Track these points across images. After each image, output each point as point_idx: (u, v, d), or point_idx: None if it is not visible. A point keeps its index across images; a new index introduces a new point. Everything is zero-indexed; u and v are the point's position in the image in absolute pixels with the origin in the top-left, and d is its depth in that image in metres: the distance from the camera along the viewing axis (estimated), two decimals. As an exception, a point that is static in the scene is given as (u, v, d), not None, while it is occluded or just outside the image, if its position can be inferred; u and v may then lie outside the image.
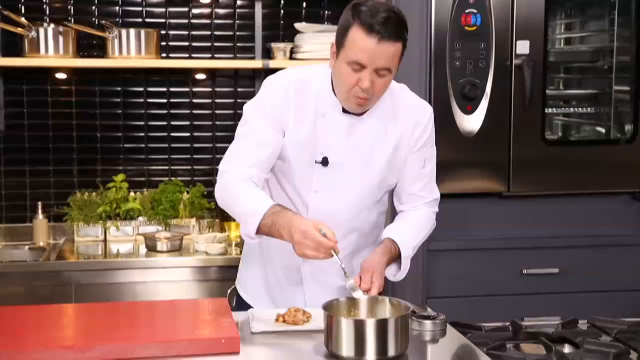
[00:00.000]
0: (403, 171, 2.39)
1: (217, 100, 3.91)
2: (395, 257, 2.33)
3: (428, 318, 2.15)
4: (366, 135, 2.32)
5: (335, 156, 2.30)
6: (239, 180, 2.23)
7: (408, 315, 1.96)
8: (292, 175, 2.32)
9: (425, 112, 2.40)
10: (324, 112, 2.29)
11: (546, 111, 3.42)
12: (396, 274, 2.35)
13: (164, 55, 3.79)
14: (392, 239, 2.33)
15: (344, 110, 2.29)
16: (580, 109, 3.69)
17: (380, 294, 2.20)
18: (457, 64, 3.27)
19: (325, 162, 2.30)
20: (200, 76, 3.87)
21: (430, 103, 3.23)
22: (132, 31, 3.59)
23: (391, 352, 1.89)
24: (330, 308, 1.99)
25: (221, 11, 3.88)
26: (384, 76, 2.19)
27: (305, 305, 2.37)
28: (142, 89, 3.85)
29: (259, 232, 2.16)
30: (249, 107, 2.35)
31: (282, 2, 3.90)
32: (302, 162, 2.30)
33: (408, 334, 1.95)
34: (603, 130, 3.68)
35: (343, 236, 2.26)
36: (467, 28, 3.26)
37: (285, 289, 2.44)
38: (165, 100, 3.88)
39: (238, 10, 3.89)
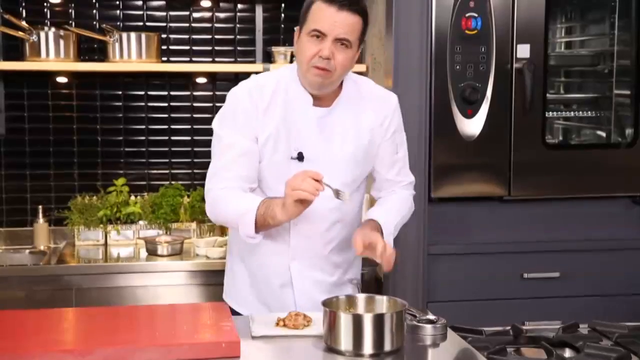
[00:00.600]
0: (377, 158, 2.47)
1: (217, 104, 3.91)
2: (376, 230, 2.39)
3: (428, 322, 2.15)
4: (337, 126, 2.38)
5: (309, 150, 2.35)
6: (223, 192, 2.33)
7: (403, 311, 2.02)
8: (270, 175, 2.37)
9: (392, 100, 2.49)
10: (294, 107, 2.35)
11: (546, 115, 3.42)
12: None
13: (164, 58, 3.79)
14: (374, 219, 2.40)
15: (315, 105, 2.36)
16: (580, 112, 3.69)
17: (380, 292, 2.23)
18: (458, 67, 3.27)
19: (300, 157, 2.36)
20: (201, 80, 3.88)
21: (430, 106, 3.26)
22: (133, 35, 3.60)
23: (387, 346, 1.97)
24: (329, 304, 2.06)
25: (221, 15, 3.88)
26: (344, 49, 2.27)
27: (295, 304, 2.42)
28: (142, 93, 3.86)
29: (256, 229, 2.26)
30: (217, 123, 2.41)
31: (283, 5, 3.91)
32: (278, 161, 2.36)
33: (403, 329, 2.02)
34: (603, 134, 3.68)
35: (327, 228, 2.38)
36: (467, 31, 3.27)
37: (275, 290, 2.46)
38: (166, 104, 3.88)
39: (238, 14, 3.89)
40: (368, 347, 1.95)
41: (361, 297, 2.15)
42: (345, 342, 1.96)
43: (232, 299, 2.55)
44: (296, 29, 2.35)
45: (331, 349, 1.98)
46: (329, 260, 2.43)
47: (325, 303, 2.05)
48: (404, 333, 2.03)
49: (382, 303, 2.12)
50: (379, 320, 1.96)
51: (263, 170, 2.37)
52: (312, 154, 2.35)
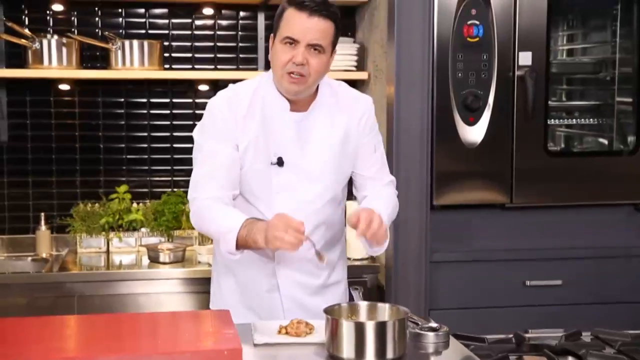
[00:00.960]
0: (356, 159, 2.50)
1: (219, 111, 3.91)
2: None
3: (431, 330, 2.15)
4: (315, 130, 2.42)
5: (289, 155, 2.39)
6: (208, 203, 2.33)
7: (406, 319, 2.02)
8: (251, 182, 2.40)
9: (367, 101, 2.53)
10: (272, 113, 2.38)
11: (548, 122, 3.42)
12: (374, 247, 2.37)
13: (166, 66, 3.80)
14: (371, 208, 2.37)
15: (292, 110, 2.39)
16: (582, 120, 3.69)
17: (381, 299, 2.23)
18: (459, 75, 3.28)
19: (280, 162, 2.39)
20: (203, 87, 3.88)
21: (432, 114, 3.26)
22: (135, 42, 3.60)
23: (389, 354, 1.97)
24: (331, 312, 2.06)
25: (224, 22, 3.89)
26: (317, 54, 2.30)
27: (283, 309, 2.46)
28: (144, 100, 3.86)
29: (237, 246, 2.26)
30: (197, 133, 2.43)
31: (285, 13, 3.91)
32: (259, 167, 2.38)
33: (405, 337, 2.02)
34: (605, 142, 3.68)
35: (311, 232, 2.36)
36: (469, 39, 3.27)
37: (262, 295, 2.49)
38: (168, 111, 3.88)
39: (240, 21, 3.90)
40: (370, 355, 1.96)
41: (363, 305, 2.15)
42: (347, 350, 1.96)
43: (218, 308, 2.57)
44: (271, 36, 2.39)
45: (333, 356, 1.99)
46: (314, 262, 2.42)
47: (328, 311, 2.05)
48: (406, 341, 2.03)
49: (384, 311, 2.13)
50: (381, 328, 1.97)
51: (244, 176, 2.40)
52: (291, 158, 2.39)
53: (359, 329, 1.97)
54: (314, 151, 2.41)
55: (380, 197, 2.50)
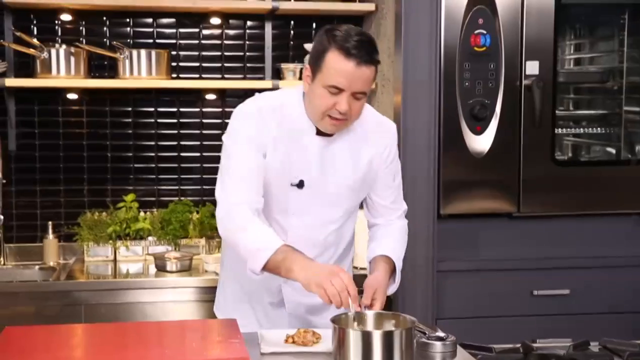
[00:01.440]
0: (375, 186, 2.47)
1: (226, 120, 3.87)
2: (391, 272, 2.41)
3: (438, 339, 2.14)
4: (338, 156, 2.38)
5: (310, 178, 2.35)
6: (244, 213, 2.26)
7: (413, 328, 2.02)
8: (269, 199, 2.35)
9: (391, 129, 2.49)
10: (298, 135, 2.34)
11: (556, 131, 3.41)
12: (390, 286, 2.41)
13: (174, 75, 3.81)
14: (388, 256, 2.41)
15: (317, 132, 2.34)
16: (590, 129, 3.68)
17: (389, 309, 2.23)
18: (467, 84, 3.28)
19: (300, 184, 2.35)
20: (210, 96, 3.89)
21: (439, 123, 3.26)
22: (143, 52, 3.62)
23: None
24: (338, 321, 2.05)
25: (231, 32, 3.90)
26: (359, 99, 2.25)
27: (288, 324, 2.44)
28: (152, 109, 3.87)
29: (264, 267, 2.20)
30: (227, 138, 2.39)
31: (292, 22, 3.92)
32: (279, 185, 2.35)
33: (413, 347, 2.01)
34: (613, 151, 3.67)
35: (321, 252, 2.39)
36: (476, 48, 3.27)
37: (267, 308, 2.49)
38: (175, 120, 3.89)
39: (248, 31, 3.91)
40: (377, 366, 1.94)
41: (370, 314, 2.14)
42: (354, 359, 1.95)
43: (222, 313, 2.57)
44: (307, 66, 2.30)
45: (340, 366, 1.97)
46: None
47: (335, 320, 2.04)
48: (414, 350, 2.03)
49: (391, 320, 2.12)
50: (388, 337, 1.96)
51: (262, 193, 2.35)
52: (312, 182, 2.35)
53: (366, 339, 1.96)
54: (336, 177, 2.37)
55: (391, 236, 2.50)
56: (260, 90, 3.79)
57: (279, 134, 2.33)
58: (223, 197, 2.32)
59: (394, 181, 2.51)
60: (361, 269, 3.44)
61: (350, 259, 2.61)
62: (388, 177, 2.48)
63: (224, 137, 2.40)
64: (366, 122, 2.40)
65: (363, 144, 2.40)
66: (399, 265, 2.43)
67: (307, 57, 2.31)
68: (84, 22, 3.79)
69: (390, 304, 3.32)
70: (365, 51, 2.19)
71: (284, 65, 3.75)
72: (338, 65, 2.19)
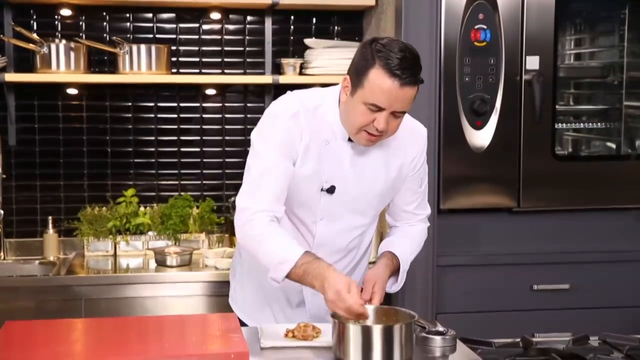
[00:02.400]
0: (400, 191, 2.44)
1: (226, 115, 3.92)
2: (395, 270, 2.38)
3: (438, 333, 2.14)
4: (370, 163, 2.35)
5: (341, 184, 2.32)
6: (264, 221, 2.22)
7: (413, 323, 2.02)
8: (297, 204, 2.33)
9: (422, 135, 2.44)
10: (331, 140, 2.30)
11: (556, 126, 3.41)
12: (392, 286, 2.40)
13: (174, 70, 3.81)
14: (393, 253, 2.39)
15: (349, 139, 2.30)
16: (590, 124, 3.68)
17: (388, 303, 2.22)
18: (467, 79, 3.27)
19: (331, 190, 2.32)
20: (210, 91, 3.89)
21: (439, 118, 3.26)
22: (143, 47, 3.61)
23: (397, 358, 1.96)
24: (338, 315, 2.05)
25: (231, 27, 3.90)
26: (398, 117, 2.20)
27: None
28: (152, 104, 3.87)
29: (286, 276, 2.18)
30: (258, 138, 2.31)
31: (292, 17, 3.92)
32: (309, 190, 2.31)
33: (413, 341, 2.02)
34: (613, 146, 3.67)
35: (343, 255, 2.38)
36: (476, 43, 3.27)
37: (285, 309, 2.48)
38: (175, 115, 3.89)
39: (248, 26, 3.90)
40: (377, 359, 1.95)
41: (370, 309, 2.14)
42: (354, 353, 1.96)
43: (238, 308, 2.56)
44: (346, 77, 2.23)
45: (340, 360, 1.97)
46: None
47: (335, 315, 2.04)
48: (414, 345, 2.03)
49: (392, 315, 2.12)
50: (388, 332, 1.96)
51: (291, 196, 2.31)
52: (343, 188, 2.32)
53: (366, 333, 1.97)
54: (366, 184, 2.35)
55: (405, 237, 2.48)
56: (260, 86, 3.85)
57: (312, 139, 2.28)
58: (243, 205, 2.26)
59: (420, 187, 2.47)
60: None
61: (367, 261, 2.59)
62: (415, 183, 2.45)
63: (253, 134, 2.33)
64: (400, 130, 2.31)
65: (395, 151, 2.36)
66: (404, 266, 2.39)
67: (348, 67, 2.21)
68: (83, 17, 3.79)
69: (390, 298, 3.32)
70: (410, 72, 2.12)
71: (284, 60, 3.75)
72: (381, 82, 2.12)
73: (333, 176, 2.31)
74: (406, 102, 2.16)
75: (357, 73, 2.18)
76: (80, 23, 3.79)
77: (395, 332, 1.96)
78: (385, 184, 2.38)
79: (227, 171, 3.92)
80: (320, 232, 2.36)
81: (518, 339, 2.32)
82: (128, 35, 3.80)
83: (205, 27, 3.89)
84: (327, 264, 2.15)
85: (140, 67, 3.61)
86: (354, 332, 1.96)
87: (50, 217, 3.69)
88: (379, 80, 2.12)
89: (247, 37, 3.91)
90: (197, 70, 3.88)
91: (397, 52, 2.13)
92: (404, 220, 2.52)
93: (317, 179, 2.30)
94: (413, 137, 2.41)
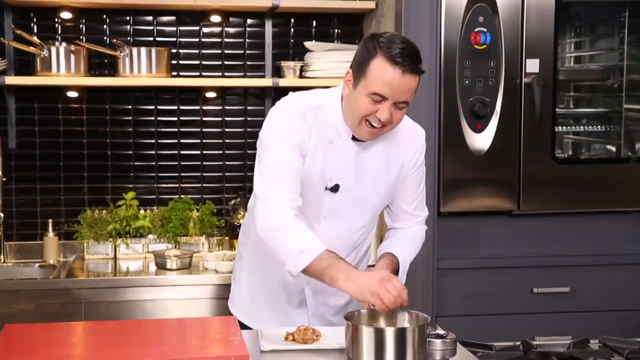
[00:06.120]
0: (400, 190, 2.47)
1: (227, 118, 3.92)
2: (394, 271, 2.39)
3: (438, 337, 2.14)
4: (372, 161, 2.37)
5: (344, 183, 2.34)
6: (289, 212, 2.23)
7: (426, 326, 2.01)
8: (302, 202, 2.33)
9: (421, 135, 2.48)
10: (334, 139, 2.33)
11: (556, 129, 3.41)
12: None
13: (174, 73, 3.81)
14: (393, 254, 2.41)
15: (353, 137, 2.33)
16: (590, 127, 3.68)
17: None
18: (467, 82, 3.28)
19: (335, 188, 2.34)
20: (210, 94, 3.89)
21: (439, 121, 3.26)
22: (143, 50, 3.61)
23: None
24: (351, 318, 2.05)
25: (231, 30, 3.90)
26: (401, 108, 2.23)
27: (310, 325, 2.40)
28: (152, 107, 3.87)
29: (304, 270, 2.18)
30: (268, 134, 2.32)
31: (292, 20, 3.92)
32: (313, 188, 2.33)
33: (425, 344, 2.01)
34: (613, 149, 3.67)
35: (345, 256, 2.35)
36: (476, 46, 3.27)
37: (287, 309, 2.48)
38: (176, 118, 3.89)
39: (248, 29, 3.90)
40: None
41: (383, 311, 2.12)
42: (367, 356, 1.95)
43: (238, 310, 2.56)
44: (349, 71, 2.27)
45: (353, 363, 1.96)
46: None
47: (348, 317, 2.05)
48: (426, 347, 2.01)
49: (404, 317, 2.12)
50: (401, 334, 1.96)
51: None
52: (346, 186, 2.34)
53: (379, 335, 1.96)
54: (369, 182, 2.37)
55: (404, 238, 2.50)
56: (260, 88, 3.85)
57: (317, 138, 2.31)
58: (266, 194, 2.26)
59: (419, 187, 2.50)
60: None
61: (367, 260, 2.61)
62: (414, 182, 2.47)
63: (261, 134, 2.34)
64: (399, 129, 2.35)
65: (395, 150, 2.40)
66: (403, 267, 2.42)
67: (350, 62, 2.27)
68: (84, 20, 3.79)
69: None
70: (411, 60, 2.16)
71: (284, 63, 3.75)
72: (383, 73, 2.16)
73: (337, 175, 2.34)
74: (408, 92, 2.19)
75: (359, 65, 2.22)
76: (81, 26, 3.79)
77: (409, 334, 1.96)
78: (387, 183, 2.41)
79: (227, 174, 3.92)
80: (323, 231, 2.36)
81: (518, 342, 2.32)
82: (128, 38, 3.80)
83: (205, 30, 3.89)
84: (349, 263, 2.20)
85: (140, 70, 3.61)
86: (367, 335, 1.96)
87: (50, 220, 3.69)
88: (381, 69, 2.16)
89: (247, 40, 3.91)
90: (197, 73, 3.88)
91: (398, 43, 2.18)
92: (404, 221, 2.53)
93: (322, 177, 2.33)
94: (412, 137, 2.45)
